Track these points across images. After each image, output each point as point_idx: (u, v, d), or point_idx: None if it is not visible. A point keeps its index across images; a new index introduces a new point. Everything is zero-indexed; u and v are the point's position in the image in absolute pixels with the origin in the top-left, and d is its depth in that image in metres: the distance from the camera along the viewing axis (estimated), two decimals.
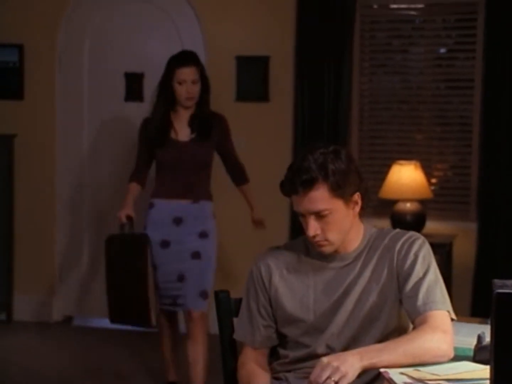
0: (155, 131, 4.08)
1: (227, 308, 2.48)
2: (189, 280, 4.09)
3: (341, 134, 5.10)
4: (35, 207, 5.70)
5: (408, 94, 5.35)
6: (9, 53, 5.63)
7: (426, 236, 5.03)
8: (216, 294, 2.50)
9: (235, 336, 2.42)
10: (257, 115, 5.36)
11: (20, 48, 5.61)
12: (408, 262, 2.23)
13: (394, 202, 4.90)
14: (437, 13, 5.25)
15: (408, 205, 4.82)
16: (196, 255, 4.10)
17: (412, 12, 5.31)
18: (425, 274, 2.21)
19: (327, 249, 2.25)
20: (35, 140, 5.67)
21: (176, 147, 4.07)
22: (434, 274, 2.23)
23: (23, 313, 5.68)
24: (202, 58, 5.41)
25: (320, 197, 2.18)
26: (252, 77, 5.32)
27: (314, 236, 2.22)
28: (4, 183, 5.57)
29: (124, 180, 4.38)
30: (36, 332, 5.47)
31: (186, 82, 4.03)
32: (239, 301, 2.45)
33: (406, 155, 5.12)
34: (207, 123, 4.11)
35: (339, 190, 2.19)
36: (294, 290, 2.30)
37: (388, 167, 4.96)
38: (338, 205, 2.20)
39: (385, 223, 4.95)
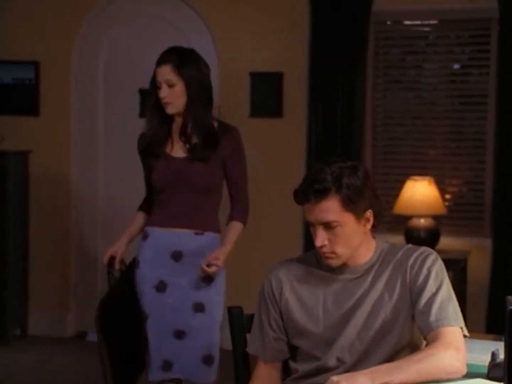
0: (147, 144, 3.36)
1: (240, 324, 2.49)
2: (189, 339, 3.32)
3: (354, 150, 5.11)
4: (50, 222, 5.73)
5: (422, 110, 5.35)
6: (25, 70, 5.68)
7: (440, 252, 5.02)
8: (229, 310, 2.51)
9: (247, 349, 2.43)
10: (271, 131, 5.37)
11: (36, 65, 5.66)
12: (421, 277, 2.22)
13: (408, 218, 4.89)
14: (450, 29, 5.25)
15: (422, 221, 4.81)
16: (199, 307, 3.32)
17: (426, 28, 5.32)
18: (438, 290, 2.20)
19: (334, 262, 2.25)
20: (50, 156, 5.70)
21: (169, 165, 3.32)
22: (447, 290, 2.22)
23: (38, 328, 5.70)
24: (216, 75, 5.47)
25: (331, 208, 2.19)
26: (266, 93, 5.34)
27: (321, 247, 2.22)
28: (19, 198, 5.60)
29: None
30: (50, 347, 5.48)
31: (161, 84, 3.27)
32: (252, 316, 2.45)
33: (420, 171, 5.12)
34: (207, 137, 3.29)
35: (351, 205, 2.19)
36: (304, 301, 2.31)
37: (401, 182, 4.96)
38: (348, 219, 2.20)
39: (399, 239, 4.94)
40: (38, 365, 5.13)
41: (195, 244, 3.33)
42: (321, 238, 2.21)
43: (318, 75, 5.19)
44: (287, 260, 2.41)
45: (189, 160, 3.29)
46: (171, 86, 3.25)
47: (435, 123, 5.30)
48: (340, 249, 2.23)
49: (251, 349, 2.41)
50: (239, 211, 3.43)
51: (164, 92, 3.26)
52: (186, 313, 3.30)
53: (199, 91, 3.29)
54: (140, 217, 3.49)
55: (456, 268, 4.75)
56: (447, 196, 5.20)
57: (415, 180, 4.86)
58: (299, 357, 2.34)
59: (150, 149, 3.34)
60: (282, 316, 2.34)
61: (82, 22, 5.61)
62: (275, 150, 5.36)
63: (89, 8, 5.58)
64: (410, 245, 2.36)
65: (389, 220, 5.11)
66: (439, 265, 2.25)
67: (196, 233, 3.33)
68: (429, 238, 4.77)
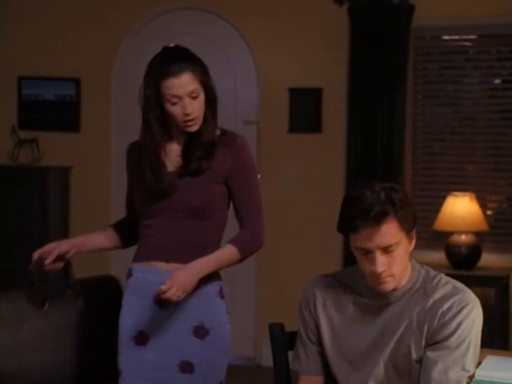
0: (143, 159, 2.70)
1: (281, 341, 2.47)
2: None
3: (394, 166, 5.07)
4: None
5: (461, 125, 5.31)
6: (67, 87, 5.74)
7: (482, 269, 4.96)
8: (270, 326, 2.49)
9: (290, 365, 2.41)
10: (310, 146, 5.37)
11: (77, 81, 5.72)
12: (447, 331, 2.13)
13: (448, 234, 4.84)
14: (490, 44, 5.22)
15: (463, 237, 4.77)
16: (185, 367, 2.64)
17: (465, 43, 5.28)
18: (456, 347, 2.13)
19: (390, 285, 2.17)
20: (91, 173, 5.75)
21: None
22: (466, 348, 2.13)
23: None
24: (255, 90, 5.50)
25: (392, 230, 2.11)
26: (305, 109, 5.34)
27: (381, 272, 2.13)
28: (60, 214, 5.65)
29: None
30: None
31: (180, 97, 2.59)
32: (292, 333, 2.44)
33: (460, 186, 5.07)
34: (205, 149, 2.65)
35: (405, 224, 2.14)
36: (333, 323, 2.28)
37: (441, 198, 4.91)
38: (402, 239, 2.15)
39: (439, 256, 4.90)
40: None
41: None
42: (382, 263, 2.12)
43: (358, 90, 5.17)
44: (322, 276, 2.38)
45: (179, 176, 2.65)
46: (195, 97, 2.60)
47: (475, 138, 5.25)
48: (397, 270, 2.16)
49: (293, 365, 2.39)
50: (240, 236, 2.68)
51: (190, 107, 2.59)
52: (169, 373, 2.64)
53: (215, 100, 2.69)
54: (106, 233, 2.86)
55: (498, 285, 4.69)
56: (488, 212, 5.14)
57: (456, 196, 4.82)
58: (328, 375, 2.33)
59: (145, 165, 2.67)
60: (318, 329, 2.32)
61: (123, 39, 5.66)
62: (314, 165, 5.35)
63: (129, 26, 5.64)
64: (449, 281, 2.23)
65: (429, 236, 5.06)
66: (471, 320, 2.14)
67: None
68: (470, 255, 4.72)
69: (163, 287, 2.47)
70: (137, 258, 2.73)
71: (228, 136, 2.68)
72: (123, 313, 2.71)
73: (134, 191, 2.72)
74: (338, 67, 5.26)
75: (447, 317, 2.14)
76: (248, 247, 2.67)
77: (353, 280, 2.29)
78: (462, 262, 4.76)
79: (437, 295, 2.18)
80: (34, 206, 5.46)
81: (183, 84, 2.57)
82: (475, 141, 5.25)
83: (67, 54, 5.74)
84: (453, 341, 2.12)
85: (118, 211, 5.76)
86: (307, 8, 5.31)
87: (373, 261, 2.13)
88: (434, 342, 2.14)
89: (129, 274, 2.74)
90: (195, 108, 2.59)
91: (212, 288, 2.66)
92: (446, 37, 5.30)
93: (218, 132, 2.70)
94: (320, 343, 2.32)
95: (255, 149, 5.44)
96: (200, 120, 2.62)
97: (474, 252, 4.75)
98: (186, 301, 2.59)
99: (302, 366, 2.35)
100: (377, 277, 2.15)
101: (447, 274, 2.29)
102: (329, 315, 2.29)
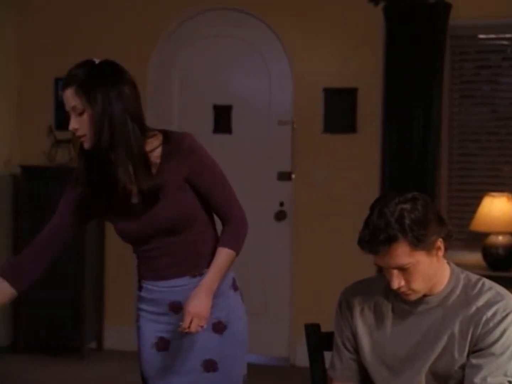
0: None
1: (317, 341, 2.47)
2: None
3: (430, 166, 5.03)
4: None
5: (497, 125, 5.26)
6: None
7: None
8: (306, 327, 2.49)
9: (328, 372, 2.42)
10: (345, 147, 5.35)
11: None
12: (492, 338, 2.13)
13: (485, 235, 4.80)
14: None
15: (500, 238, 4.72)
16: (209, 365, 2.67)
17: (502, 42, 5.23)
18: (500, 354, 2.13)
19: (412, 297, 2.19)
20: None
21: (128, 216, 2.59)
22: (509, 355, 2.13)
23: (113, 342, 5.77)
24: (290, 91, 5.50)
25: (401, 253, 2.11)
26: (340, 109, 5.32)
27: (398, 288, 2.16)
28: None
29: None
30: (125, 360, 5.53)
31: (70, 114, 2.49)
32: (329, 334, 2.44)
33: (496, 187, 5.02)
34: (146, 181, 2.52)
35: (420, 244, 2.11)
36: (372, 331, 2.28)
37: (478, 199, 4.87)
38: (420, 257, 2.12)
39: (476, 257, 4.86)
40: (114, 379, 5.19)
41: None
42: (396, 281, 2.15)
43: (393, 90, 5.14)
44: (359, 282, 2.38)
45: (144, 203, 2.54)
46: (80, 114, 2.46)
47: (511, 138, 5.20)
48: (418, 285, 2.16)
49: (329, 371, 2.40)
50: (226, 235, 2.64)
51: (73, 123, 2.47)
52: (195, 375, 2.67)
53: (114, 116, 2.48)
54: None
55: None
56: None
57: (493, 196, 4.78)
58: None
59: (110, 206, 2.58)
60: (354, 338, 2.32)
61: (157, 39, 5.68)
62: (349, 166, 5.34)
63: (164, 26, 5.65)
64: (492, 287, 2.22)
65: (466, 237, 5.03)
66: None
67: (193, 276, 2.64)
68: (507, 256, 4.68)
69: (184, 325, 2.50)
70: (144, 277, 2.72)
71: (172, 141, 2.55)
72: (140, 324, 2.73)
73: (116, 228, 2.64)
74: (373, 67, 5.24)
75: (491, 324, 2.13)
76: (238, 242, 2.64)
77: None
78: (499, 263, 4.72)
79: (480, 301, 2.17)
80: None
81: (66, 98, 2.48)
82: (511, 141, 5.20)
83: (100, 56, 5.74)
84: (497, 348, 2.12)
85: None
86: (342, 8, 5.29)
87: (390, 277, 2.16)
88: (478, 349, 2.14)
89: (140, 287, 2.75)
90: (78, 125, 2.45)
91: (224, 282, 2.66)
92: (482, 36, 5.25)
93: (158, 140, 2.57)
94: (356, 350, 2.32)
95: (290, 149, 5.45)
96: (90, 138, 2.47)
97: (511, 253, 4.70)
98: None
99: (336, 373, 2.36)
100: (397, 291, 2.18)
101: (484, 276, 2.28)
102: (368, 322, 2.29)
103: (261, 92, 5.52)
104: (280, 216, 5.46)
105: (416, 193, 2.18)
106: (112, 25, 5.73)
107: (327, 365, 2.43)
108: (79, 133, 2.47)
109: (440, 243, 2.16)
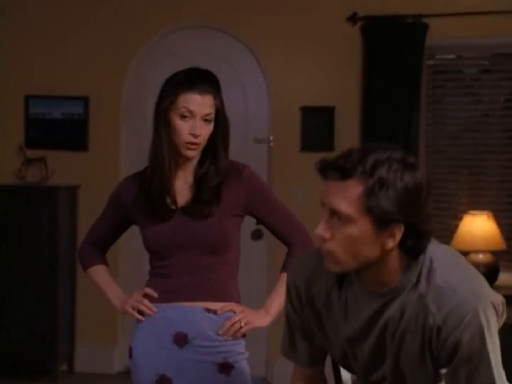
0: (155, 196, 2.56)
1: None
2: None
3: None
4: None
5: (473, 144, 5.29)
6: (75, 105, 5.69)
7: (499, 288, 4.88)
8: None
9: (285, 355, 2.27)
10: None
11: (85, 100, 5.68)
12: (456, 353, 1.80)
13: (466, 253, 4.81)
14: (503, 63, 5.24)
15: (481, 256, 4.73)
16: None
17: (478, 62, 5.29)
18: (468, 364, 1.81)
19: (330, 265, 1.82)
20: (99, 191, 5.63)
21: (170, 220, 2.55)
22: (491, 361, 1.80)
23: (85, 363, 5.65)
24: (267, 109, 5.47)
25: (348, 196, 1.75)
26: (318, 127, 5.31)
27: (319, 237, 1.81)
28: (69, 233, 5.59)
29: None
30: (97, 383, 5.42)
31: (194, 116, 2.50)
32: None
33: (475, 206, 5.04)
34: (213, 181, 2.54)
35: (375, 206, 1.73)
36: (321, 317, 2.00)
37: (457, 219, 4.89)
38: (363, 221, 1.75)
39: None
40: None
41: (204, 324, 2.51)
42: (323, 226, 1.79)
43: (371, 108, 5.15)
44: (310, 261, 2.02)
45: (190, 212, 2.52)
46: (207, 122, 2.50)
47: (488, 156, 5.23)
48: (340, 251, 1.78)
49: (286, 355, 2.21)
50: (291, 260, 2.63)
51: (200, 129, 2.48)
52: None
53: (224, 128, 2.56)
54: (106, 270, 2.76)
55: None
56: (504, 231, 5.11)
57: (473, 215, 4.79)
58: None
59: (156, 203, 2.54)
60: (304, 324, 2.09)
61: (132, 57, 5.62)
62: None
63: (139, 44, 5.60)
64: (456, 287, 1.80)
65: None
66: (479, 338, 1.78)
67: (206, 309, 2.52)
68: (488, 274, 4.67)
69: (227, 324, 2.51)
70: (151, 298, 2.56)
71: (233, 168, 2.57)
72: (136, 356, 2.54)
73: (145, 232, 2.59)
74: (351, 86, 5.24)
75: (451, 339, 1.79)
76: None
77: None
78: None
79: (448, 308, 1.81)
80: (42, 225, 5.40)
81: (203, 104, 2.47)
82: (488, 160, 5.23)
83: (75, 73, 5.69)
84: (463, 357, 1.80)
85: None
86: (319, 27, 5.29)
87: (321, 220, 1.82)
88: (445, 361, 1.83)
89: (140, 314, 2.57)
90: (203, 132, 2.49)
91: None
92: (458, 56, 5.30)
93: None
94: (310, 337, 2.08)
95: (266, 167, 5.41)
96: (200, 148, 2.52)
97: (492, 271, 4.71)
98: (206, 339, 2.51)
99: (294, 358, 2.15)
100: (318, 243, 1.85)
101: None
102: (316, 310, 2.01)
103: (237, 110, 5.48)
104: (257, 235, 5.41)
105: (416, 163, 1.82)
106: (86, 42, 5.65)
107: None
108: (199, 140, 2.50)
109: (397, 231, 1.77)
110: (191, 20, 5.54)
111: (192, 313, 2.51)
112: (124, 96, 5.67)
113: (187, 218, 2.52)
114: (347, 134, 5.26)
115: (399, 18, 5.08)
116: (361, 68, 5.21)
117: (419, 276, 1.84)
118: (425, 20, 5.07)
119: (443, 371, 1.86)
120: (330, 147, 5.29)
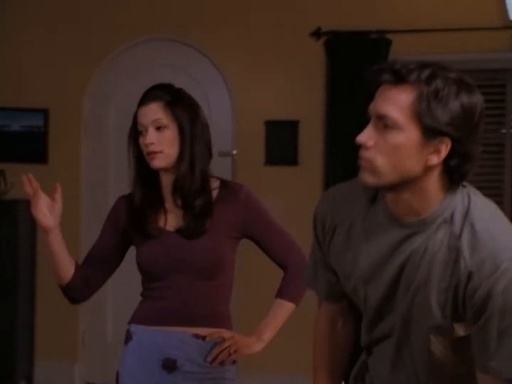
0: (138, 218, 2.53)
1: None
2: None
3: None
4: None
5: None
6: (35, 118, 5.62)
7: None
8: None
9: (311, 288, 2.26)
10: (287, 179, 5.35)
11: (45, 112, 5.60)
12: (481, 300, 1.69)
13: None
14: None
15: None
16: None
17: None
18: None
19: (367, 177, 1.75)
20: None
21: (161, 242, 2.48)
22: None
23: (44, 381, 5.54)
24: (231, 122, 5.46)
25: (398, 100, 1.68)
26: (281, 141, 5.33)
27: (362, 147, 1.75)
28: (28, 247, 5.50)
29: None
30: None
31: (146, 127, 2.45)
32: None
33: None
34: (191, 185, 2.47)
35: (425, 112, 1.66)
36: (350, 247, 1.91)
37: None
38: (411, 129, 1.68)
39: None
40: None
41: (193, 351, 2.45)
42: (366, 133, 1.73)
43: (334, 122, 5.20)
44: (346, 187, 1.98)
45: (182, 234, 2.46)
46: (158, 129, 2.44)
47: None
48: (381, 160, 1.71)
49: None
50: (288, 284, 2.57)
51: (152, 138, 2.43)
52: None
53: (194, 139, 2.49)
54: (71, 261, 2.73)
55: None
56: None
57: None
58: None
59: (141, 226, 2.50)
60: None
61: (93, 69, 5.58)
62: (291, 198, 5.33)
63: (100, 56, 5.56)
64: (493, 235, 1.69)
65: None
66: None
67: (196, 335, 2.46)
68: None
69: (217, 349, 2.44)
70: (140, 320, 2.51)
71: (229, 187, 2.53)
72: (123, 381, 2.47)
73: (137, 253, 2.54)
74: (315, 100, 5.28)
75: (484, 287, 1.68)
76: (300, 292, 2.57)
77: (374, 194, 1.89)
78: None
79: (479, 253, 1.69)
80: (1, 239, 5.29)
81: (148, 111, 2.45)
82: None
83: (35, 84, 5.62)
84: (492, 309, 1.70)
85: (88, 243, 5.63)
86: (283, 41, 5.32)
87: (366, 128, 1.77)
88: (473, 315, 1.72)
89: (129, 338, 2.51)
90: (156, 140, 2.42)
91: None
92: None
93: (216, 183, 2.55)
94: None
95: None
96: (166, 156, 2.44)
97: None
98: (196, 364, 2.47)
99: (316, 289, 2.11)
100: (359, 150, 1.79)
101: None
102: (338, 240, 1.94)
103: None
104: None
105: (478, 95, 1.73)
106: (49, 54, 5.59)
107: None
108: (155, 148, 2.43)
109: (444, 146, 1.69)
110: (154, 34, 5.52)
111: (181, 339, 2.45)
112: (85, 108, 5.61)
113: (182, 239, 2.45)
114: (311, 147, 5.29)
115: (362, 34, 5.14)
116: (325, 83, 5.25)
117: (453, 214, 1.74)
118: (388, 36, 5.14)
119: (458, 325, 1.75)
120: (294, 161, 5.31)
